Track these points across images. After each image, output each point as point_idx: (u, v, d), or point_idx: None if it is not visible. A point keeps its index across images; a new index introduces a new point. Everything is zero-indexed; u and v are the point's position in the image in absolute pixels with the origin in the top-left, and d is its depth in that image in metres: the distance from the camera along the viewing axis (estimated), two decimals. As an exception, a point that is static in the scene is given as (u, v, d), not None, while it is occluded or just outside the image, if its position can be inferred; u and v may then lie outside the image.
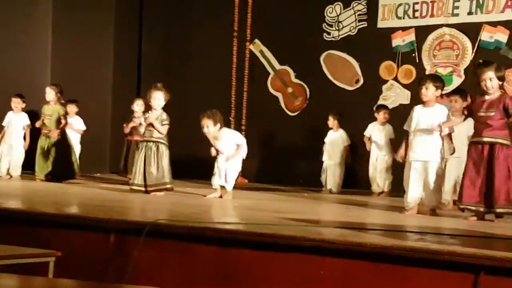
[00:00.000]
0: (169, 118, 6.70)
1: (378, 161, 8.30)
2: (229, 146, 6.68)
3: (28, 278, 2.14)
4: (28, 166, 8.46)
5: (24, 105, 8.56)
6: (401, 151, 5.84)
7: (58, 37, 10.16)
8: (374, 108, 8.63)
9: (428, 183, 5.55)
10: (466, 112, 5.77)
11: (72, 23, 10.12)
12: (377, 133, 8.33)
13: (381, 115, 8.35)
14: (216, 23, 10.46)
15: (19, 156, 8.45)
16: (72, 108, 9.09)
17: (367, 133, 8.40)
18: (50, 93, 8.29)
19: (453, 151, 6.06)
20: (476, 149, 5.29)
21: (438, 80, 5.83)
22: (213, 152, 6.65)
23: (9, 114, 8.56)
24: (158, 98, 6.69)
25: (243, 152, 6.76)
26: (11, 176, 8.39)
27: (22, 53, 9.95)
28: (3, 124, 8.55)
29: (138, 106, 8.62)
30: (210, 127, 6.56)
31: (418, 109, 5.72)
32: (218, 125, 6.61)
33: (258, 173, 9.97)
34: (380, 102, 9.21)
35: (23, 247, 3.29)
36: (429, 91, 5.62)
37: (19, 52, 9.92)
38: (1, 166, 8.45)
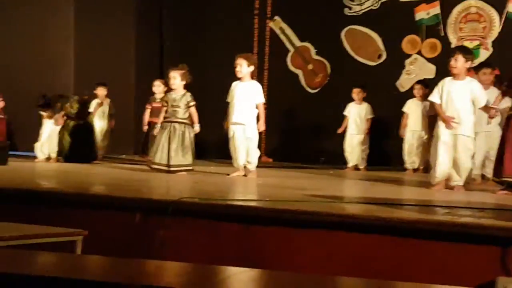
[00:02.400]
0: (193, 99, 6.71)
1: (415, 138, 8.21)
2: (249, 100, 6.44)
3: (57, 255, 2.16)
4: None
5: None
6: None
7: (80, 22, 10.21)
8: (407, 84, 8.57)
9: (458, 158, 5.43)
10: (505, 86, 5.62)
11: (94, 8, 10.15)
12: (415, 109, 8.23)
13: (416, 91, 8.26)
14: (237, 1, 10.39)
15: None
16: (102, 91, 9.16)
17: (405, 108, 8.31)
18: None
19: (494, 113, 5.72)
20: None
21: (468, 52, 5.67)
22: (225, 126, 6.60)
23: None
24: (174, 77, 6.69)
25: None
26: (49, 158, 8.46)
27: (45, 39, 10.04)
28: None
29: (155, 87, 8.64)
30: (243, 67, 6.47)
31: (448, 82, 5.55)
32: (252, 67, 6.52)
33: (280, 151, 9.95)
34: (403, 76, 9.09)
35: (51, 227, 3.32)
36: (458, 62, 5.45)
37: (42, 39, 10.01)
38: (42, 149, 8.50)
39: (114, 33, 10.46)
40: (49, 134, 8.48)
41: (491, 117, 5.67)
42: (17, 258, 2.01)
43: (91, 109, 9.03)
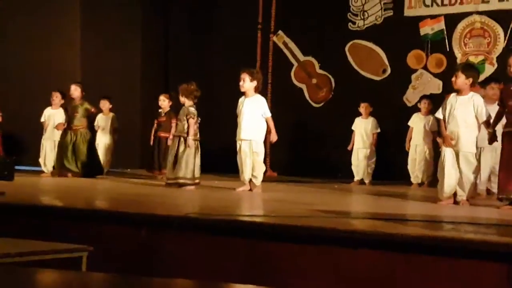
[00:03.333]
0: (195, 112, 6.71)
1: (417, 152, 8.24)
2: (255, 115, 6.53)
3: (62, 273, 2.16)
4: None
5: (62, 101, 8.62)
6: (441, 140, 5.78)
7: (86, 34, 10.26)
8: (414, 99, 8.62)
9: (461, 173, 5.45)
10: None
11: (100, 19, 10.22)
12: (418, 123, 8.28)
13: (422, 105, 8.30)
14: (241, 15, 10.45)
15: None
16: (105, 105, 9.17)
17: (410, 122, 8.34)
18: (76, 91, 8.39)
19: (492, 138, 5.79)
20: (510, 138, 5.20)
21: (469, 69, 5.72)
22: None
23: (48, 110, 8.63)
24: (180, 94, 6.78)
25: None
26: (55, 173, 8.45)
27: (52, 51, 10.09)
28: (42, 120, 8.63)
29: (159, 101, 8.65)
30: (246, 82, 6.56)
31: (452, 98, 5.62)
32: (255, 82, 6.61)
33: (285, 165, 9.95)
34: (410, 91, 9.12)
35: (56, 243, 3.33)
36: (459, 79, 5.52)
37: (49, 50, 10.06)
38: (46, 162, 8.54)
39: (119, 46, 10.50)
40: (51, 148, 8.50)
41: (489, 143, 5.70)
42: (21, 276, 2.02)
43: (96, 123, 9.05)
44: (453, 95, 5.65)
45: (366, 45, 9.65)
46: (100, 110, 9.16)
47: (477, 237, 3.31)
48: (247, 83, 6.59)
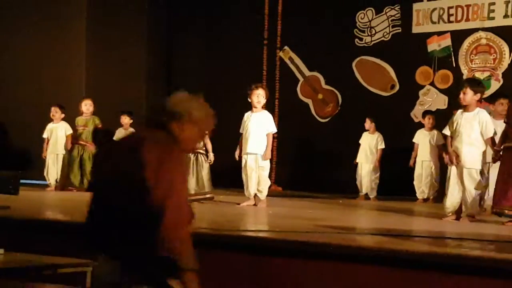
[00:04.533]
0: None
1: (424, 167, 8.24)
2: (262, 130, 6.56)
3: None
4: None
5: (63, 115, 8.68)
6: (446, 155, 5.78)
7: (92, 48, 10.30)
8: (421, 115, 8.61)
9: (466, 189, 5.42)
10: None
11: (105, 36, 10.26)
12: (423, 139, 8.28)
13: (426, 121, 8.31)
14: (246, 31, 10.49)
15: (61, 166, 8.54)
16: (125, 119, 9.17)
17: (415, 140, 8.35)
18: (85, 106, 8.48)
19: (498, 155, 5.77)
20: (510, 154, 5.20)
21: (476, 84, 5.70)
22: (237, 155, 6.65)
23: (50, 125, 8.68)
24: None
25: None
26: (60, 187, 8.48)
27: (57, 66, 10.13)
28: (44, 136, 8.68)
29: None
30: (263, 98, 6.61)
31: (458, 114, 5.60)
32: (265, 100, 6.67)
33: (290, 180, 9.93)
34: (417, 107, 9.12)
35: (61, 257, 3.33)
36: (467, 95, 5.49)
37: (54, 66, 10.11)
38: (49, 176, 8.56)
39: (124, 60, 10.48)
40: (53, 161, 8.54)
41: (493, 162, 5.69)
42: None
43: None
44: (460, 111, 5.64)
45: (374, 61, 9.66)
46: (120, 125, 9.18)
47: (483, 254, 3.29)
48: (263, 99, 6.65)
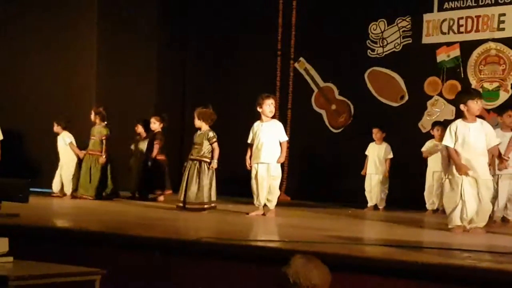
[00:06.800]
0: (215, 136, 6.84)
1: (435, 179, 8.19)
2: (274, 139, 6.61)
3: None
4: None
5: (59, 127, 8.72)
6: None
7: (103, 58, 10.33)
8: (429, 125, 8.60)
9: (483, 200, 5.33)
10: None
11: (116, 46, 10.30)
12: (433, 149, 8.24)
13: (435, 132, 8.28)
14: (260, 42, 10.52)
15: (69, 174, 8.63)
16: (139, 129, 9.22)
17: (424, 149, 8.32)
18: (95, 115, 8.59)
19: (504, 164, 5.70)
20: None
21: (481, 95, 5.70)
22: (248, 165, 6.67)
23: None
24: (196, 117, 6.93)
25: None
26: (65, 194, 8.56)
27: (68, 76, 10.18)
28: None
29: (151, 124, 8.74)
30: (273, 107, 6.73)
31: (461, 125, 5.50)
32: (274, 110, 6.80)
33: (301, 190, 9.92)
34: (425, 117, 9.10)
35: (69, 266, 3.34)
36: (479, 106, 5.50)
37: (65, 76, 10.16)
38: (53, 185, 8.67)
39: (136, 71, 10.52)
40: (58, 171, 8.62)
41: (499, 169, 5.65)
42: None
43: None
44: (460, 121, 5.55)
45: (385, 72, 9.67)
46: (135, 134, 9.23)
47: (494, 266, 3.27)
48: (274, 109, 6.76)
